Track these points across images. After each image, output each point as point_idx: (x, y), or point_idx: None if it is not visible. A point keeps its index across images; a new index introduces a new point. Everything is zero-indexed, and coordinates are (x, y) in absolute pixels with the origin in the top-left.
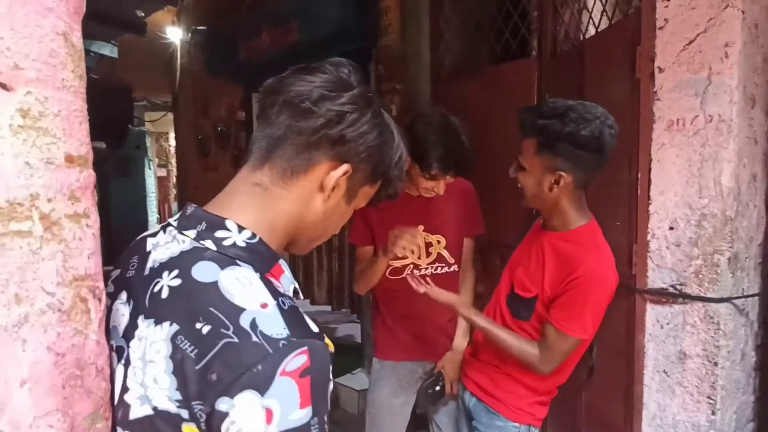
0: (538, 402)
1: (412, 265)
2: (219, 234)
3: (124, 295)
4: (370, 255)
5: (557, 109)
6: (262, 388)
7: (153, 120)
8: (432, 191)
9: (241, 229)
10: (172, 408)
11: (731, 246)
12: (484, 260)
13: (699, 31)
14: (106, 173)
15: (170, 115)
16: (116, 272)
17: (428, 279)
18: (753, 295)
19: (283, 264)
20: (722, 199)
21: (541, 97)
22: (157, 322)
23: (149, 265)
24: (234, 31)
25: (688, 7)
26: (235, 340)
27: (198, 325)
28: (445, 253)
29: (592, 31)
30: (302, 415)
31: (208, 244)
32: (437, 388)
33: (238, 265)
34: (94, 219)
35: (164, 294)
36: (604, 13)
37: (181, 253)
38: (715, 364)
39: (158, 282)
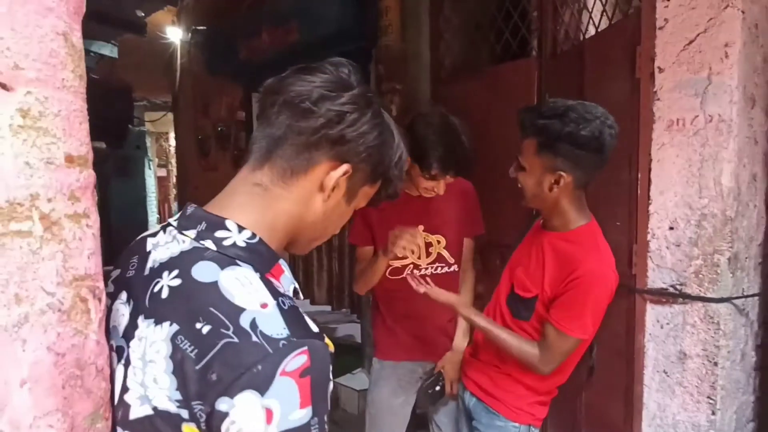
0: (538, 402)
1: (412, 265)
2: (219, 234)
3: (124, 295)
4: (370, 255)
5: (557, 109)
6: (262, 388)
7: (153, 120)
8: (432, 191)
9: (241, 229)
10: (172, 408)
11: (731, 246)
12: (484, 260)
13: (699, 31)
14: (106, 173)
15: (170, 115)
16: (116, 272)
17: (428, 279)
18: (753, 295)
19: (283, 264)
20: (722, 199)
21: (541, 97)
22: (157, 322)
23: (149, 265)
24: (234, 31)
25: (688, 7)
26: (235, 340)
27: (198, 325)
28: (445, 253)
29: (592, 31)
30: (302, 415)
31: (208, 244)
32: (437, 388)
33: (238, 265)
34: (94, 219)
35: (164, 294)
36: (604, 13)
37: (181, 253)
38: (715, 364)
39: (158, 282)
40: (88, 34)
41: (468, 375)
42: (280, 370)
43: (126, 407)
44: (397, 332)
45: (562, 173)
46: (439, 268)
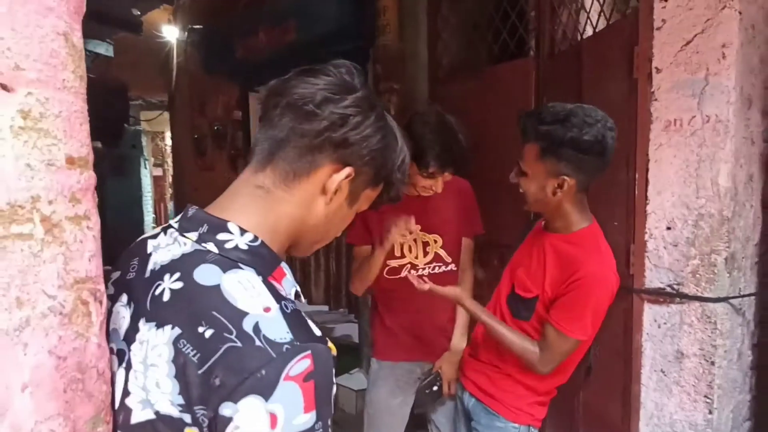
0: (538, 402)
1: (409, 265)
2: (221, 237)
3: (124, 298)
4: (367, 254)
5: (558, 115)
6: (266, 392)
7: (149, 119)
8: (430, 189)
9: (243, 231)
10: (175, 412)
11: (728, 246)
12: (483, 262)
13: (696, 31)
14: (101, 173)
15: (166, 114)
16: (116, 274)
17: (425, 278)
18: (749, 295)
19: (284, 267)
20: (719, 199)
21: (538, 97)
22: (159, 326)
23: (150, 267)
24: (231, 29)
25: (685, 7)
26: (239, 344)
27: (200, 329)
28: (442, 253)
29: (589, 31)
30: (306, 419)
31: (210, 246)
32: (434, 388)
33: (241, 268)
34: (95, 221)
35: (166, 297)
36: (602, 14)
37: (183, 255)
38: (712, 363)
39: (159, 285)
40: (83, 33)
41: (467, 375)
42: (284, 375)
43: (127, 411)
44: (395, 332)
45: (566, 177)
46: (437, 268)
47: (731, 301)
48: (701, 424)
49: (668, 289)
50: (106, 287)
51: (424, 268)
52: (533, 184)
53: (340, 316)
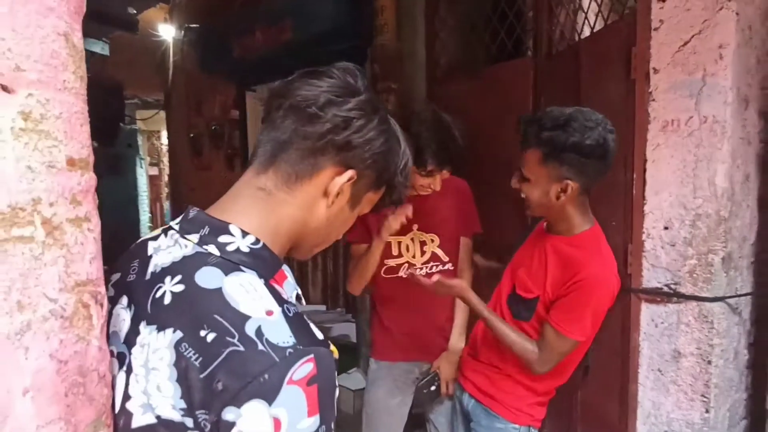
0: (537, 403)
1: (406, 264)
2: (222, 239)
3: (124, 300)
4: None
5: (558, 120)
6: (269, 397)
7: (144, 118)
8: (428, 188)
9: (244, 234)
10: (176, 416)
11: (725, 246)
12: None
13: (694, 32)
14: (97, 172)
15: (162, 114)
16: (116, 276)
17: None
18: (746, 294)
19: (286, 270)
20: (716, 199)
21: (536, 97)
22: (160, 329)
23: (151, 269)
24: (227, 28)
25: (683, 8)
26: (241, 348)
27: (202, 333)
28: (439, 252)
29: (587, 31)
30: (310, 423)
31: (212, 249)
32: (433, 387)
33: (242, 271)
34: (96, 223)
35: (167, 300)
36: (600, 14)
37: (184, 258)
38: (709, 362)
39: (160, 287)
40: None
41: (466, 376)
42: (287, 379)
43: (128, 415)
44: (394, 332)
45: (569, 181)
46: (434, 267)
47: (728, 300)
48: (698, 422)
49: (665, 289)
50: (106, 289)
51: (421, 268)
52: (536, 189)
53: (337, 316)
